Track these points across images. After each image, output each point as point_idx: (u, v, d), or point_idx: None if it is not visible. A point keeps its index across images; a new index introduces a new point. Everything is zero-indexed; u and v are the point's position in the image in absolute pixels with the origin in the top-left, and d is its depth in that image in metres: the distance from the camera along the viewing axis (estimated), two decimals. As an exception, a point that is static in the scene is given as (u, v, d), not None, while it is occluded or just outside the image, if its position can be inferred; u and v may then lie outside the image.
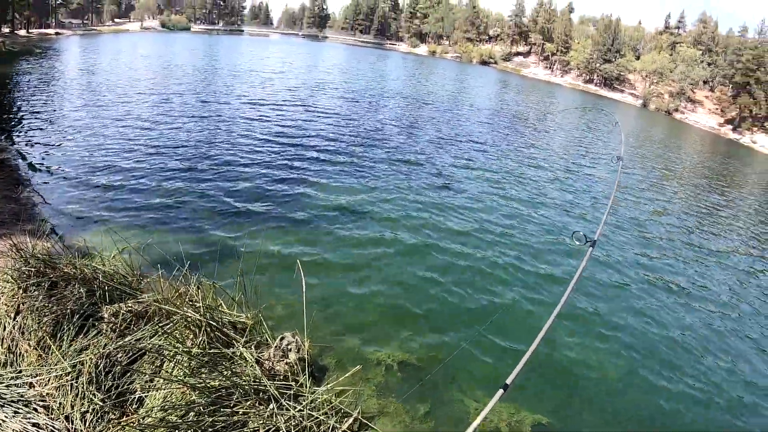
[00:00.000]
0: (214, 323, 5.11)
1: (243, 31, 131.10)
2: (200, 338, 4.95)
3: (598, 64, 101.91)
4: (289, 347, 5.20)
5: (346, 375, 5.12)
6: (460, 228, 11.15)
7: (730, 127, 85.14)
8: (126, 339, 4.88)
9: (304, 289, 5.42)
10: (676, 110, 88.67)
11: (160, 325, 5.03)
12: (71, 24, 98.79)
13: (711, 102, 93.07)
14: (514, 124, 29.94)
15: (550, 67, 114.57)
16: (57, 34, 75.83)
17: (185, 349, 4.75)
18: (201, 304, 5.15)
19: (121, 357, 4.75)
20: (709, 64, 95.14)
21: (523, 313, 8.11)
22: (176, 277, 5.83)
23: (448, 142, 20.20)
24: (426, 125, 23.83)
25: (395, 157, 16.31)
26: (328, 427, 4.54)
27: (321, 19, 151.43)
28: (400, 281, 8.38)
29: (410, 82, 46.83)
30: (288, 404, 4.45)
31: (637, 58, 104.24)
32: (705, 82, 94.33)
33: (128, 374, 4.65)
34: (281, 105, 23.59)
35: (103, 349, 4.70)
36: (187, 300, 5.43)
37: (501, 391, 2.68)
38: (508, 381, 2.73)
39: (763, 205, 23.75)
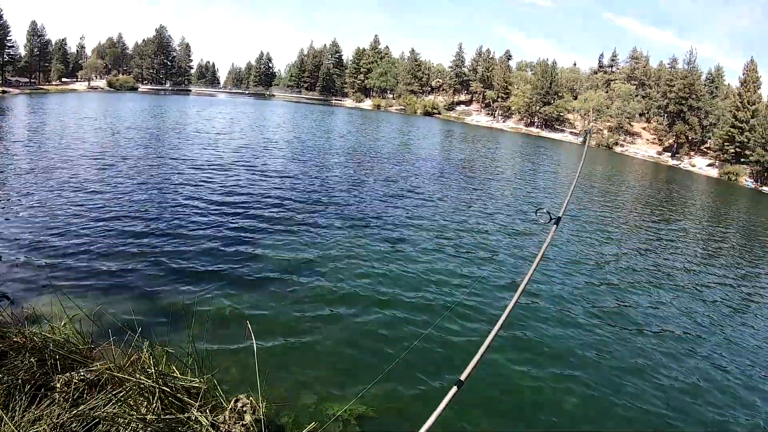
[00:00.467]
0: (167, 389, 5.12)
1: (190, 90, 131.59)
2: (154, 404, 4.94)
3: (537, 107, 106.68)
4: (243, 409, 5.24)
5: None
6: (407, 281, 11.35)
7: (669, 154, 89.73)
8: (80, 408, 4.79)
9: (255, 350, 5.48)
10: (616, 144, 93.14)
11: (114, 393, 5.00)
12: (18, 82, 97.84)
13: (648, 133, 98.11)
14: (461, 173, 30.70)
15: (492, 114, 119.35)
16: (3, 92, 74.71)
17: (140, 417, 4.77)
18: (153, 371, 5.16)
19: (75, 427, 4.69)
20: (643, 97, 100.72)
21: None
22: (128, 343, 5.77)
23: (396, 197, 20.48)
24: (373, 181, 24.10)
25: (344, 215, 16.49)
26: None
27: (267, 78, 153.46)
28: (351, 335, 8.52)
29: (356, 138, 47.71)
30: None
31: (575, 98, 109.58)
32: (641, 115, 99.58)
33: (84, 443, 4.60)
34: (229, 166, 23.53)
35: (57, 419, 4.62)
36: (139, 366, 5.43)
37: (455, 388, 2.60)
38: (462, 377, 2.64)
39: (709, 221, 25.18)
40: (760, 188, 72.36)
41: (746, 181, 75.13)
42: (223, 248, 11.99)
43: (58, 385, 5.16)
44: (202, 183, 19.22)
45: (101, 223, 12.93)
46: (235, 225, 14.00)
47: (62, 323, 6.51)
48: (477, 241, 15.27)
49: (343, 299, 9.88)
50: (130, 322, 5.95)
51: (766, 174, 75.36)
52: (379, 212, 17.29)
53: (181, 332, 6.92)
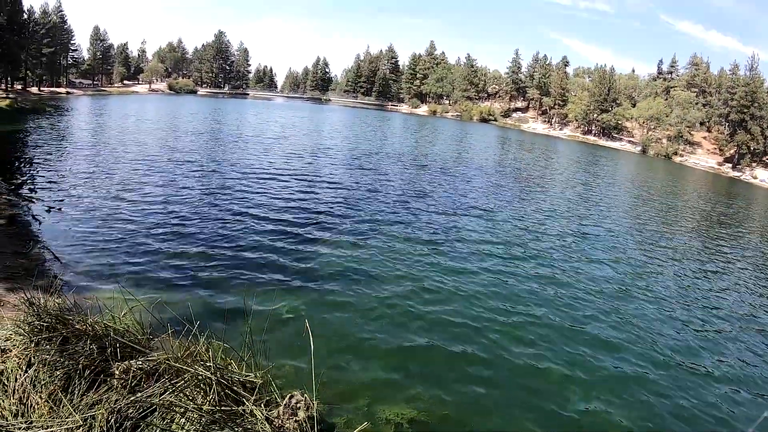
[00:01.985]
0: (224, 381, 5.18)
1: (248, 94, 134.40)
2: (210, 396, 5.00)
3: (595, 115, 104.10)
4: (297, 406, 5.26)
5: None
6: (461, 289, 11.27)
7: (730, 165, 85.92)
8: (137, 395, 4.90)
9: (312, 349, 5.51)
10: (675, 153, 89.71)
11: (171, 382, 5.09)
12: (81, 84, 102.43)
13: (709, 142, 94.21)
14: (520, 183, 30.21)
15: (548, 121, 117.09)
16: (68, 93, 78.42)
17: (195, 406, 4.81)
18: (211, 363, 5.23)
19: (132, 413, 4.75)
20: (704, 105, 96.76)
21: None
22: (186, 335, 5.90)
23: (452, 205, 20.26)
24: (430, 188, 23.93)
25: (401, 223, 16.41)
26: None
27: (324, 82, 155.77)
28: (405, 340, 8.50)
29: (413, 144, 47.48)
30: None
31: (633, 105, 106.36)
32: (701, 123, 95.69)
33: (139, 429, 4.66)
34: (287, 172, 23.69)
35: (114, 404, 4.73)
36: (197, 358, 5.51)
37: None
38: None
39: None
40: None
41: None
42: (281, 251, 12.20)
43: (117, 372, 5.26)
44: (260, 187, 19.51)
45: (161, 221, 13.44)
46: (294, 230, 14.18)
47: (123, 313, 6.68)
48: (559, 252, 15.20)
49: (398, 306, 9.87)
50: (189, 315, 6.01)
51: (836, 188, 71.37)
52: (441, 224, 17.00)
53: (239, 328, 7.12)
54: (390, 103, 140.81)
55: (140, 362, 5.42)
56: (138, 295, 7.76)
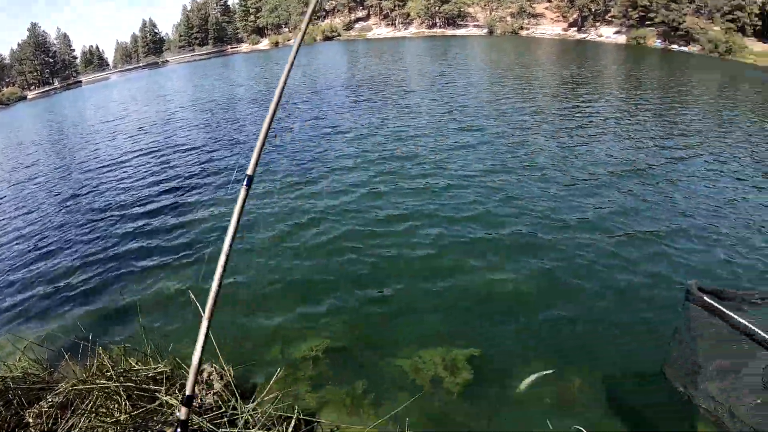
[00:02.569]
0: (132, 384, 5.22)
1: (81, 82, 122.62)
2: (122, 404, 5.05)
3: (436, 8, 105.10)
4: (211, 378, 5.40)
5: (273, 382, 5.40)
6: (339, 212, 11.60)
7: (575, 28, 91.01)
8: None
9: (202, 313, 5.38)
10: (521, 28, 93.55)
11: (85, 406, 5.07)
12: None
13: (551, 12, 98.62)
14: (376, 92, 29.99)
15: (392, 24, 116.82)
16: None
17: (113, 420, 4.85)
18: (112, 372, 5.24)
19: (59, 453, 4.76)
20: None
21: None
22: (85, 354, 5.79)
23: (314, 136, 19.48)
24: (290, 120, 23.18)
25: (265, 169, 15.95)
26: (274, 437, 4.85)
27: (156, 45, 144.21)
28: (294, 278, 8.71)
29: (260, 82, 45.09)
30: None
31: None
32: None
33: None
34: (139, 150, 21.85)
35: None
36: (101, 373, 5.46)
37: None
38: None
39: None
40: (669, 47, 75.24)
41: (655, 42, 78.02)
42: (154, 231, 11.76)
43: (31, 420, 5.12)
44: (116, 176, 18.11)
45: (23, 249, 12.38)
46: (162, 205, 13.60)
47: (17, 358, 6.44)
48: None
49: (277, 249, 9.93)
50: (81, 333, 5.92)
51: (672, 33, 77.91)
52: (308, 160, 16.54)
53: (132, 326, 6.96)
54: (230, 47, 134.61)
55: (49, 400, 5.33)
56: (25, 333, 7.44)
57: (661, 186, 12.35)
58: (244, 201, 3.38)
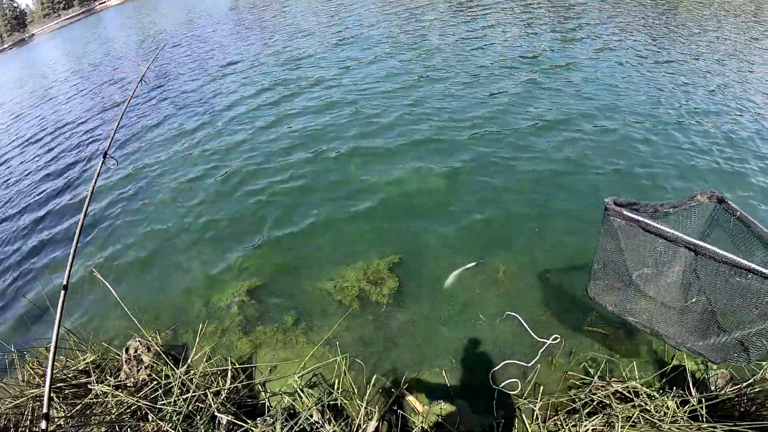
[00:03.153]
0: (63, 383, 5.18)
1: None
2: (60, 404, 5.01)
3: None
4: (139, 353, 5.33)
5: (201, 338, 5.35)
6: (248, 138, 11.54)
7: None
8: None
9: (114, 292, 5.20)
10: None
11: (24, 420, 4.97)
12: None
13: None
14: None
15: None
16: None
17: (55, 427, 4.81)
18: (37, 376, 5.17)
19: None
20: None
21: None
22: (11, 364, 5.73)
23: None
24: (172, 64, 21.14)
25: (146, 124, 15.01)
26: (215, 393, 4.85)
27: (18, 20, 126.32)
28: (194, 220, 8.43)
29: (134, 35, 39.17)
30: (162, 404, 4.71)
31: None
32: None
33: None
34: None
35: None
36: (31, 381, 5.37)
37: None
38: None
39: None
40: None
41: None
42: (40, 225, 10.38)
43: None
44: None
45: None
46: (41, 195, 11.84)
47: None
48: None
49: (172, 203, 9.36)
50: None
51: None
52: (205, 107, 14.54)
53: (48, 321, 6.64)
54: (98, 3, 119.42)
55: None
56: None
57: (560, 72, 12.14)
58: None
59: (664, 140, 8.56)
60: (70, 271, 3.39)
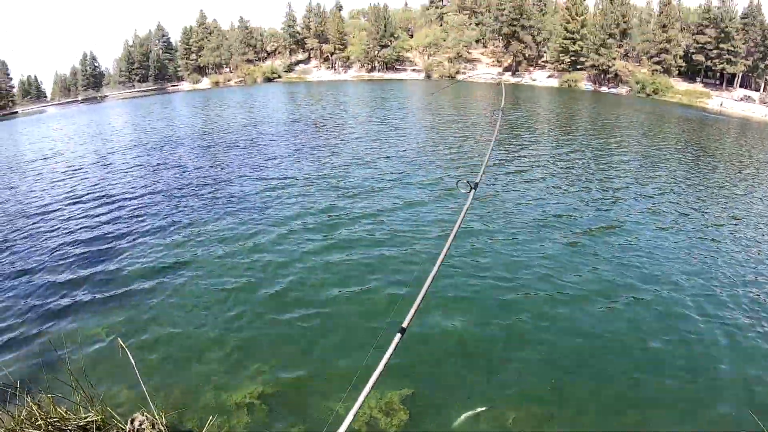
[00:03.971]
0: (61, 433, 5.18)
1: (16, 112, 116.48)
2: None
3: (375, 52, 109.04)
4: (142, 427, 5.38)
5: (206, 430, 5.44)
6: (280, 256, 11.80)
7: (509, 73, 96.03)
8: None
9: (134, 364, 5.42)
10: (458, 73, 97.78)
11: None
12: None
13: (487, 57, 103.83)
14: (318, 139, 30.38)
15: (332, 67, 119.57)
16: None
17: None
18: (42, 422, 5.17)
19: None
20: (477, 25, 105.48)
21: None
22: (12, 402, 5.67)
23: (258, 186, 18.79)
24: (231, 171, 21.94)
25: (205, 209, 15.92)
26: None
27: (95, 79, 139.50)
28: (225, 322, 8.77)
29: (201, 124, 43.49)
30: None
31: (411, 36, 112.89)
32: (477, 41, 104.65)
33: None
34: (71, 194, 20.19)
35: None
36: (30, 422, 5.35)
37: (399, 335, 2.76)
38: (405, 324, 2.81)
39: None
40: (599, 89, 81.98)
41: (585, 85, 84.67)
42: (75, 283, 11.13)
43: None
44: (45, 209, 17.66)
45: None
46: (84, 256, 12.86)
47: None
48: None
49: (209, 293, 9.97)
50: (5, 379, 5.79)
51: (602, 76, 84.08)
52: (244, 201, 16.62)
53: (60, 371, 6.71)
54: (170, 84, 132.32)
55: (-26, 449, 5.19)
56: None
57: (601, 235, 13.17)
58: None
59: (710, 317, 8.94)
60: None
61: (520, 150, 24.51)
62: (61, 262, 12.23)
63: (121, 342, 5.78)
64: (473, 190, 4.33)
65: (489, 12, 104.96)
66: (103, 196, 19.07)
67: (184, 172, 22.45)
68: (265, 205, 16.11)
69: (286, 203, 16.14)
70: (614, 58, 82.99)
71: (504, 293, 9.77)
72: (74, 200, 18.99)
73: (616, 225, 13.86)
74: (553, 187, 17.95)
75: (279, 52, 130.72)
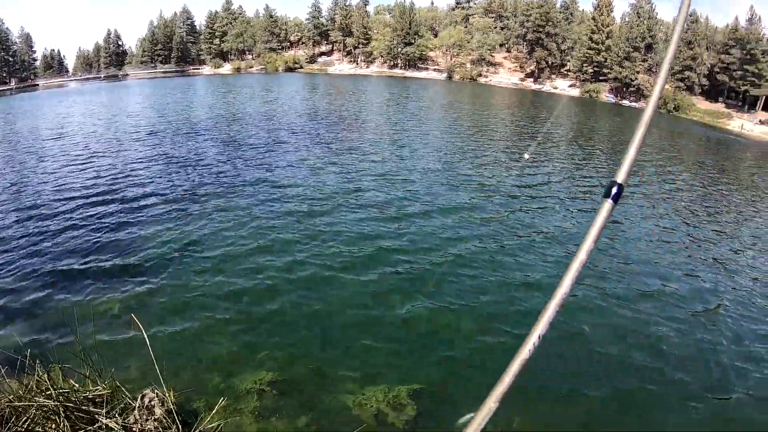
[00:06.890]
0: (71, 405, 5.15)
1: (38, 85, 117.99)
2: (61, 424, 4.96)
3: (399, 49, 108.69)
4: (152, 404, 5.35)
5: (215, 412, 5.42)
6: (288, 245, 11.82)
7: (531, 79, 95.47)
8: None
9: (147, 341, 5.30)
10: (480, 75, 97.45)
11: (21, 425, 4.96)
12: None
13: (510, 61, 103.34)
14: (336, 131, 30.31)
15: (354, 61, 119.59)
16: None
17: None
18: (52, 391, 5.16)
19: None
20: (502, 29, 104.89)
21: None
22: (22, 370, 5.63)
23: (273, 173, 18.91)
24: (246, 157, 22.07)
25: (222, 192, 16.07)
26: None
27: (118, 57, 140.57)
28: (239, 306, 8.79)
29: (221, 107, 43.69)
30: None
31: (435, 35, 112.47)
32: (501, 45, 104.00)
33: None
34: (90, 163, 21.34)
35: None
36: (39, 390, 5.36)
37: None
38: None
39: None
40: (620, 102, 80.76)
41: (606, 97, 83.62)
42: (91, 255, 11.33)
43: None
44: (62, 185, 17.80)
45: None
46: (102, 220, 13.42)
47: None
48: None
49: (226, 274, 10.05)
50: (17, 347, 5.79)
51: (624, 89, 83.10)
52: (265, 192, 16.45)
53: (71, 344, 6.74)
54: (191, 67, 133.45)
55: (-16, 414, 5.18)
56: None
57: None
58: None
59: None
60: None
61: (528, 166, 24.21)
62: (76, 238, 12.35)
63: (134, 317, 5.73)
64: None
65: (515, 17, 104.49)
66: (122, 173, 19.26)
67: (204, 154, 22.73)
68: (288, 192, 16.30)
69: (312, 190, 16.52)
70: (637, 72, 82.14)
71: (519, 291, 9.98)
72: (94, 177, 19.09)
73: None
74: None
75: (302, 43, 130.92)
